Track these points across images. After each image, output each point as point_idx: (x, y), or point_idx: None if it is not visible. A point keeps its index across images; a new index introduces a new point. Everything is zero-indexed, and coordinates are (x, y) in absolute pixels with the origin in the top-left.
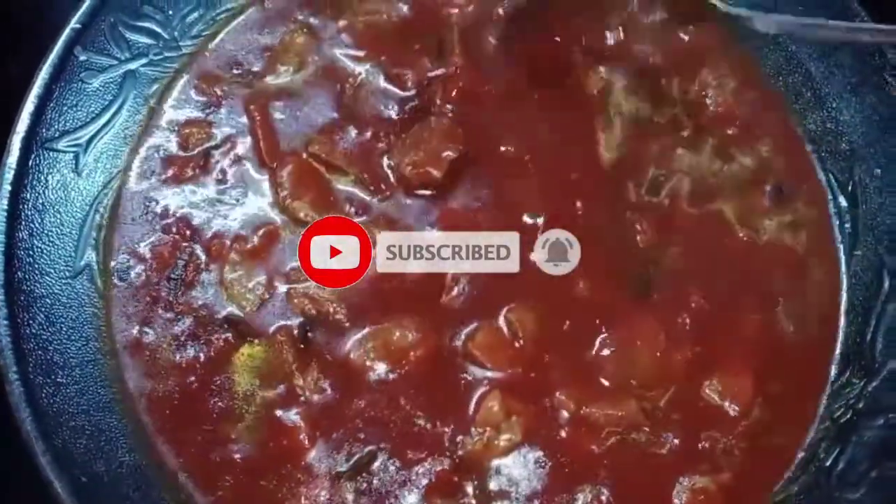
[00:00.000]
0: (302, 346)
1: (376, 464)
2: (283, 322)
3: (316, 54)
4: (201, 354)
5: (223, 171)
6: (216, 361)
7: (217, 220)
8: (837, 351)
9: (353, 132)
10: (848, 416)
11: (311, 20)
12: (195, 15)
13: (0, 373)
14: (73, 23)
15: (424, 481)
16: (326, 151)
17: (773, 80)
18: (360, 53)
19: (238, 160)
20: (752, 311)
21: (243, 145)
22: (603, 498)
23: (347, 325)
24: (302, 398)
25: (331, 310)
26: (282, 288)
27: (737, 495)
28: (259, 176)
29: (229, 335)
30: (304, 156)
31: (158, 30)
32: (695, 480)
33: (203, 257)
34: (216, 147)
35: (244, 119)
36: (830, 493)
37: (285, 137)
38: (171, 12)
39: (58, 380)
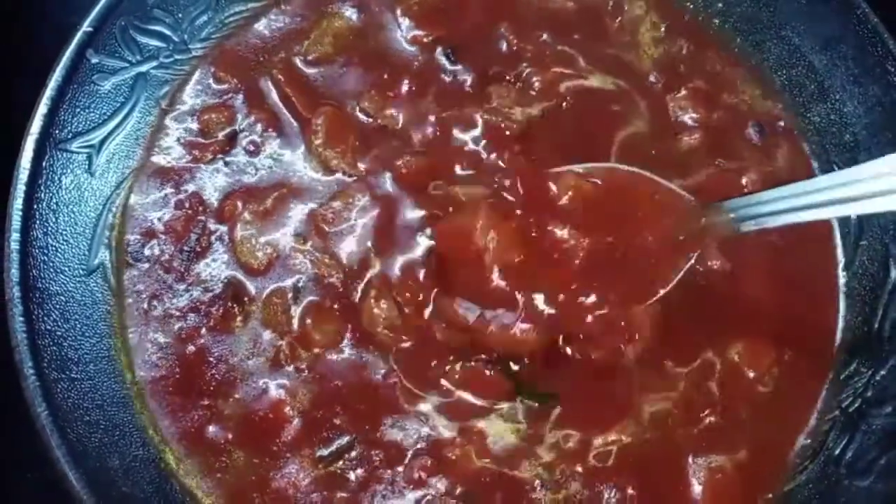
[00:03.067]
0: (293, 308)
1: (355, 452)
2: (280, 284)
3: (359, 37)
4: (202, 326)
5: (254, 144)
6: (214, 330)
7: (231, 187)
8: (846, 340)
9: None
10: (856, 404)
11: (348, 8)
12: (204, 18)
13: (16, 368)
14: (85, 26)
15: (406, 473)
16: (375, 108)
17: (777, 73)
18: (421, 32)
19: (263, 132)
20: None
21: (268, 117)
22: (627, 491)
23: (341, 290)
24: (287, 366)
25: (325, 273)
26: (287, 249)
27: (751, 477)
28: (287, 135)
29: (229, 302)
30: (345, 108)
31: (168, 33)
32: (711, 459)
33: (215, 227)
34: (240, 129)
35: (270, 94)
36: (839, 482)
37: (321, 95)
38: (180, 15)
39: (72, 375)
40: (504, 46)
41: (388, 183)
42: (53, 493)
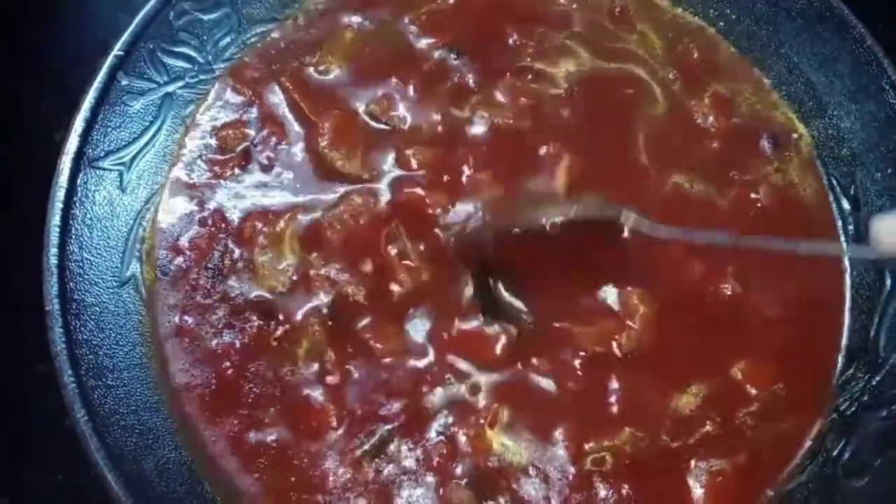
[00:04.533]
0: (330, 326)
1: (393, 444)
2: (313, 304)
3: (369, 46)
4: (236, 341)
5: (268, 158)
6: (249, 347)
7: (250, 207)
8: (843, 346)
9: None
10: (853, 408)
11: (363, 20)
12: (227, 39)
13: (55, 375)
14: (116, 50)
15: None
16: (382, 110)
17: (777, 90)
18: (431, 40)
19: (276, 145)
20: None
21: (280, 130)
22: (623, 492)
23: (366, 304)
24: (329, 378)
25: (349, 291)
26: (306, 269)
27: (751, 478)
28: (297, 144)
29: (261, 321)
30: (351, 112)
31: (194, 54)
32: (711, 463)
33: (237, 249)
34: (254, 143)
35: (281, 104)
36: (836, 482)
37: (329, 100)
38: (205, 37)
39: (108, 382)
40: (511, 45)
41: (396, 185)
42: (82, 495)
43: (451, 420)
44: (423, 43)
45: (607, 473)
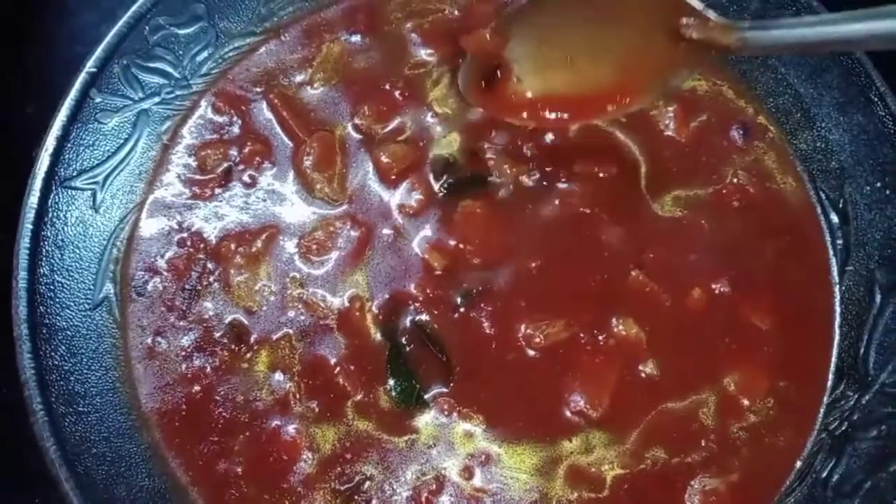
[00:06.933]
0: (300, 352)
1: (367, 484)
2: (285, 329)
3: (360, 60)
4: (207, 365)
5: (251, 177)
6: (220, 370)
7: (229, 227)
8: (833, 363)
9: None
10: (843, 428)
11: (350, 34)
12: (205, 54)
13: (25, 403)
14: (89, 66)
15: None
16: (369, 123)
17: (765, 102)
18: (430, 50)
19: (259, 164)
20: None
21: (263, 148)
22: None
23: (335, 329)
24: (298, 408)
25: (322, 314)
26: (281, 292)
27: (744, 496)
28: (280, 162)
29: (233, 344)
30: (339, 131)
31: (170, 69)
32: (705, 482)
33: (214, 267)
34: (236, 162)
35: (268, 121)
36: None
37: (317, 118)
38: (181, 52)
39: (79, 409)
40: None
41: (372, 209)
42: None
43: (431, 464)
44: (421, 53)
45: (607, 500)
